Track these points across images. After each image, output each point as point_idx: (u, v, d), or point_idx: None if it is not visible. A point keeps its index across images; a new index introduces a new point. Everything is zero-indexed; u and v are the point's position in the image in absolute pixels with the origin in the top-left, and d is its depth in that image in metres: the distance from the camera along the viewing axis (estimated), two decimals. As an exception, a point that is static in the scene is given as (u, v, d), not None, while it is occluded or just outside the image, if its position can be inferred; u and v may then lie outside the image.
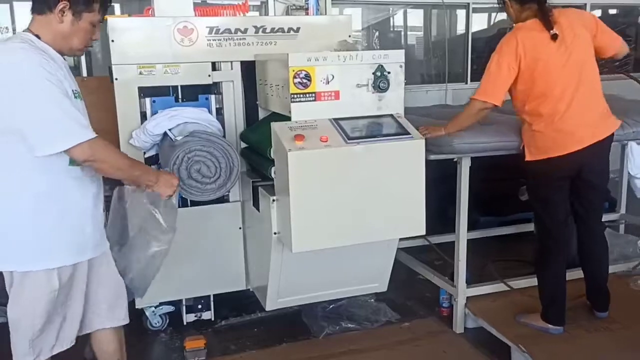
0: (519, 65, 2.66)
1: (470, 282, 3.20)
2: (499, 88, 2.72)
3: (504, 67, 2.68)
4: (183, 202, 2.97)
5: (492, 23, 5.74)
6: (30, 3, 2.03)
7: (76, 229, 2.09)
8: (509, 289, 3.25)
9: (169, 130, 2.79)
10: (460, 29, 5.33)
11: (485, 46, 5.17)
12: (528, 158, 2.80)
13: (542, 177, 2.82)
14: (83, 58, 4.39)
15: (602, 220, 3.04)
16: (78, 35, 2.07)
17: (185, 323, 3.27)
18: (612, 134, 2.80)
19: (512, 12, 2.81)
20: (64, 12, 2.01)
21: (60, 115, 1.91)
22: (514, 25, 2.79)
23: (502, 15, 5.37)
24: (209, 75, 3.01)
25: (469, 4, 4.89)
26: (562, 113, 2.67)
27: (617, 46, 2.84)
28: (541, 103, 2.70)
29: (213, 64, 3.04)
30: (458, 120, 2.89)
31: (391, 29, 6.40)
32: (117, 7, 4.61)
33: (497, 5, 2.90)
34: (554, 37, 2.64)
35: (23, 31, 2.04)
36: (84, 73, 4.46)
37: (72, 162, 2.01)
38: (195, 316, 3.29)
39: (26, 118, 1.90)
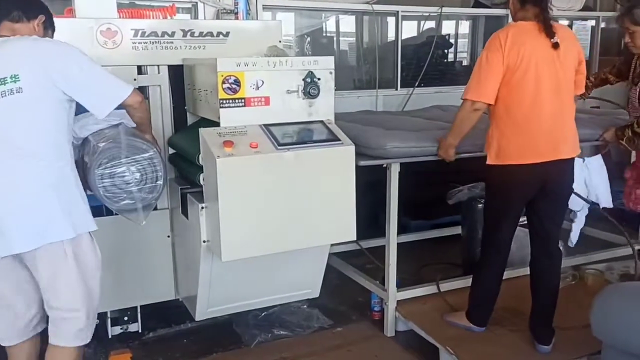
0: (504, 61, 2.55)
1: (402, 285, 3.24)
2: (489, 85, 2.59)
3: (493, 62, 2.57)
4: (107, 211, 2.85)
5: (421, 31, 5.87)
6: None
7: None
8: (438, 291, 3.31)
9: (91, 134, 2.67)
10: (391, 36, 5.41)
11: (414, 53, 5.27)
12: (489, 162, 2.72)
13: (501, 186, 2.74)
14: None
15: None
16: None
17: (110, 336, 3.14)
18: (572, 158, 2.77)
19: (511, 7, 2.71)
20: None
21: None
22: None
23: (430, 24, 5.52)
24: (135, 79, 2.90)
25: (398, 12, 4.96)
26: (533, 122, 2.61)
27: (579, 90, 2.83)
28: (516, 106, 2.60)
29: (139, 67, 2.95)
30: (454, 127, 2.78)
31: (324, 34, 6.42)
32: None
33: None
34: (555, 46, 2.58)
35: None
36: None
37: None
38: (121, 328, 3.16)
39: None
